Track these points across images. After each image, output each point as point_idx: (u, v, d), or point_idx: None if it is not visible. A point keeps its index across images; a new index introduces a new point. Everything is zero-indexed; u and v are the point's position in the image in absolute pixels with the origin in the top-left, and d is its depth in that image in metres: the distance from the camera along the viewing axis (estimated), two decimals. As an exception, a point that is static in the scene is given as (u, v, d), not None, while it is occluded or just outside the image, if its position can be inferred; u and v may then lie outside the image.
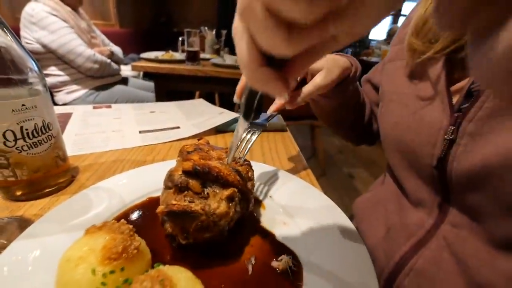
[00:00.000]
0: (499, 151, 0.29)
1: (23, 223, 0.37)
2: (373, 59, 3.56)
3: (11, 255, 0.29)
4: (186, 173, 0.31)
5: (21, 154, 0.40)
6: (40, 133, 0.41)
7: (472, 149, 0.32)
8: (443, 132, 0.35)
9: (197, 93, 2.76)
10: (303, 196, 0.45)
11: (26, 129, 0.40)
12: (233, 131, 0.78)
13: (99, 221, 0.36)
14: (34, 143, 0.41)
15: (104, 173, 0.52)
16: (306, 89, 0.46)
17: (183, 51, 1.84)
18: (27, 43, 1.48)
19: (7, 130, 0.38)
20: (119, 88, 1.80)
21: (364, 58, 3.65)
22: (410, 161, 0.42)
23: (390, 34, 4.00)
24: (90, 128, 0.72)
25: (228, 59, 1.82)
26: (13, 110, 0.38)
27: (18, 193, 0.42)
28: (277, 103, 0.48)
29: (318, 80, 0.45)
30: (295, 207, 0.43)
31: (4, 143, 0.38)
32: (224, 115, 0.81)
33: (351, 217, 0.62)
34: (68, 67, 1.60)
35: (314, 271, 0.32)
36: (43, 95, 0.41)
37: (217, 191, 0.30)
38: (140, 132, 0.72)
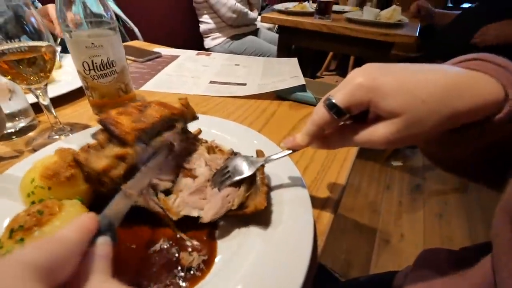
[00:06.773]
0: None
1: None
2: None
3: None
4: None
5: (94, 81, 0.53)
6: (105, 68, 0.53)
7: None
8: None
9: (330, 55, 2.50)
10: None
11: (96, 63, 0.51)
12: (293, 100, 0.67)
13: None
14: (101, 75, 0.53)
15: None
16: (358, 138, 0.28)
17: (313, 1, 1.65)
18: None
19: (84, 62, 0.51)
20: (249, 38, 1.93)
21: None
22: None
23: None
24: (180, 71, 0.84)
25: (367, 14, 1.47)
26: (86, 47, 0.50)
27: (95, 112, 0.58)
28: (297, 141, 0.31)
29: (379, 133, 0.26)
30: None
31: (83, 71, 0.52)
32: (293, 80, 0.71)
33: None
34: (216, 16, 1.86)
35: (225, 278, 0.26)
36: (110, 37, 0.51)
37: (114, 148, 0.30)
38: (210, 82, 0.77)
